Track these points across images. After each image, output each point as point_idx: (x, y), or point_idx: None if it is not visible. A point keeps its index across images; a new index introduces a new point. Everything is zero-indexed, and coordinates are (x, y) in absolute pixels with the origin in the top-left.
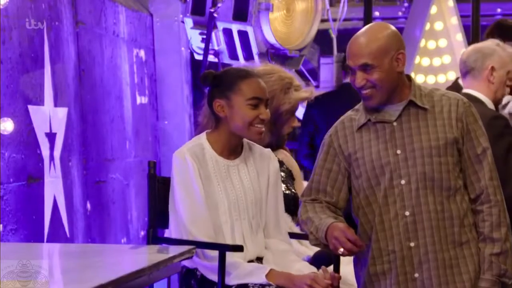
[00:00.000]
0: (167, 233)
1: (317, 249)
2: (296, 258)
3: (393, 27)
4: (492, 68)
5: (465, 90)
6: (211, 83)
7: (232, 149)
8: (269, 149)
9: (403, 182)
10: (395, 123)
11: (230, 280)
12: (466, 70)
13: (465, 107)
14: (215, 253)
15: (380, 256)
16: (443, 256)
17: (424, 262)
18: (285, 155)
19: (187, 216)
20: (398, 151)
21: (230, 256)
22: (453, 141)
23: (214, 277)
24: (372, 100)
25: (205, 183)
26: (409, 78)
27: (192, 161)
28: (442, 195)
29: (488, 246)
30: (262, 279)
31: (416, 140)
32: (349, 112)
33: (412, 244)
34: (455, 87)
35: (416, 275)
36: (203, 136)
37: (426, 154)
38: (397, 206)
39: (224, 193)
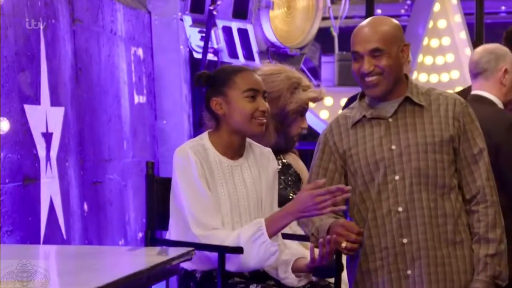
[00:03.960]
0: (168, 235)
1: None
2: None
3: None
4: (506, 70)
5: (475, 92)
6: (205, 83)
7: (235, 149)
8: (269, 149)
9: (397, 177)
10: (390, 119)
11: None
12: (478, 71)
13: (462, 107)
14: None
15: (372, 252)
16: (436, 254)
17: (416, 258)
18: (294, 158)
19: (196, 209)
20: (393, 147)
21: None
22: (449, 139)
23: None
24: (377, 88)
25: (208, 184)
26: (406, 76)
27: (195, 158)
28: (436, 192)
29: (483, 246)
30: (267, 240)
31: (411, 136)
32: (344, 111)
33: (405, 241)
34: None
35: (409, 272)
36: (205, 136)
37: (421, 150)
38: (390, 202)
39: (227, 195)
